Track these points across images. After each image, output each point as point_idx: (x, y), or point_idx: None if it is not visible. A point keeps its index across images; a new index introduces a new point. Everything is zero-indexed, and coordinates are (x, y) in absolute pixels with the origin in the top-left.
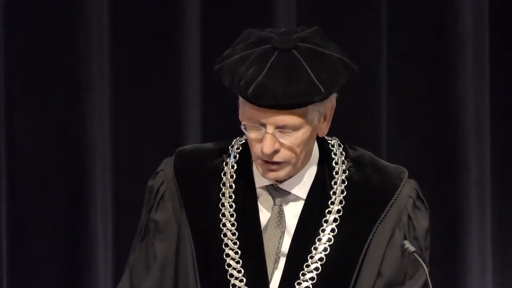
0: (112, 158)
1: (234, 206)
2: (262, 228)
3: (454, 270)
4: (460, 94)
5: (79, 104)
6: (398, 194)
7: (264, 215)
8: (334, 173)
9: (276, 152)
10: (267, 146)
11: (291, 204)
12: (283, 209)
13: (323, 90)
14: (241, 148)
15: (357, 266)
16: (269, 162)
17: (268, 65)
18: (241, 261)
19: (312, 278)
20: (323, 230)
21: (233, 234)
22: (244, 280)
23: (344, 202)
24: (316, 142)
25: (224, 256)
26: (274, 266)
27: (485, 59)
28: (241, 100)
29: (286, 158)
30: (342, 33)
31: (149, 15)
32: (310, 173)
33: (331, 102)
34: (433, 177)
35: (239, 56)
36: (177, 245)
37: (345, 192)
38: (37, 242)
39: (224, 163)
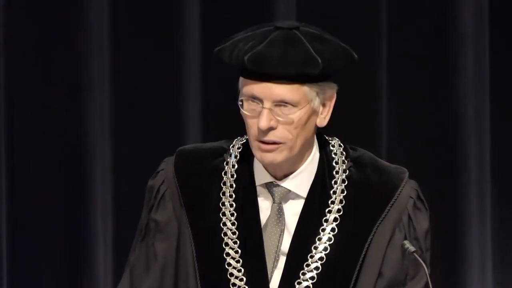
0: (112, 158)
1: (234, 205)
2: (262, 226)
3: (454, 270)
4: (460, 94)
5: (79, 104)
6: (399, 194)
7: (264, 214)
8: (334, 172)
9: (272, 129)
10: (263, 120)
11: (290, 202)
12: (282, 207)
13: (320, 61)
14: (242, 147)
15: (357, 265)
16: (265, 143)
17: (268, 39)
18: (241, 260)
19: (312, 278)
20: (324, 230)
21: (233, 233)
22: (244, 279)
23: (344, 202)
24: (316, 141)
25: (224, 255)
26: (273, 265)
27: (485, 59)
28: (240, 80)
29: (283, 137)
30: (342, 33)
31: (149, 15)
32: (310, 172)
33: (331, 90)
34: (433, 177)
35: (241, 37)
36: (177, 244)
37: (345, 192)
38: (37, 242)
39: (225, 162)
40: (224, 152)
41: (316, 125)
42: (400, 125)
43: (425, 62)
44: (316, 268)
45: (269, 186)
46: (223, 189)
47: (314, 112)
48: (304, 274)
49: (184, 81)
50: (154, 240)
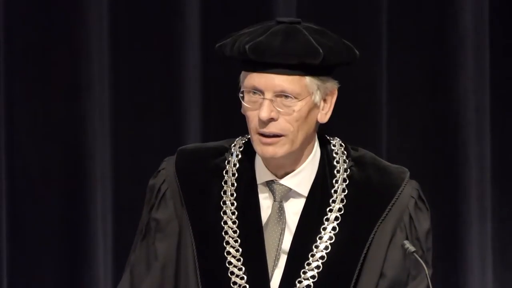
0: (112, 158)
1: (235, 204)
2: (263, 225)
3: (454, 270)
4: (460, 94)
5: (79, 104)
6: (400, 194)
7: (265, 212)
8: (335, 171)
9: (273, 120)
10: (264, 111)
11: (291, 200)
12: (283, 205)
13: (321, 51)
14: (243, 146)
15: (358, 264)
16: (266, 136)
17: (269, 31)
18: (242, 259)
19: (313, 276)
20: (324, 228)
21: (234, 232)
22: (245, 277)
23: (345, 201)
24: (317, 140)
25: (225, 254)
26: (274, 263)
27: (485, 59)
28: (242, 74)
29: (284, 129)
30: (342, 33)
31: (149, 15)
32: (311, 171)
33: (332, 85)
34: (433, 177)
35: (243, 32)
36: (178, 243)
37: (347, 191)
38: (37, 242)
39: (226, 161)
40: (225, 151)
41: (317, 121)
42: (400, 125)
43: (425, 62)
44: (317, 267)
45: (270, 184)
46: (224, 188)
47: (315, 106)
48: (305, 272)
49: (184, 81)
50: (154, 240)
